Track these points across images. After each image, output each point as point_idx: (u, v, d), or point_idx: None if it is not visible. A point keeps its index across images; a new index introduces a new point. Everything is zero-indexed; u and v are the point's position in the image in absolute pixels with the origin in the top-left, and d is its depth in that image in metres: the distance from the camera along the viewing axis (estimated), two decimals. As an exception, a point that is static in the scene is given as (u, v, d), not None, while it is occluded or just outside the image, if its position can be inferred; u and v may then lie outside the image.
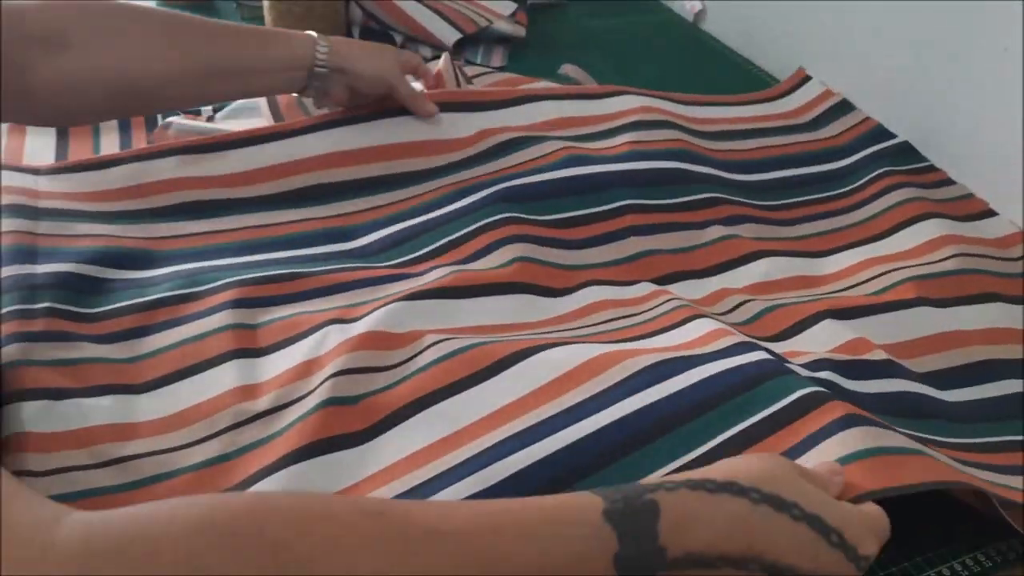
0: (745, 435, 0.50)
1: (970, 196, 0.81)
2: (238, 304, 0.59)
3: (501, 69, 0.99)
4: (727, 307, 0.66)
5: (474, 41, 1.06)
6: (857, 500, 0.44)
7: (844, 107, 0.93)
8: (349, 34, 1.02)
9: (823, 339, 0.61)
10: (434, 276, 0.63)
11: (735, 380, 0.53)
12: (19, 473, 0.47)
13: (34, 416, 0.50)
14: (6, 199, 0.65)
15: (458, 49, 1.03)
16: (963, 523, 0.51)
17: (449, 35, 1.00)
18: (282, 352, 0.57)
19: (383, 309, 0.58)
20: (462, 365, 0.55)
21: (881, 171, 0.81)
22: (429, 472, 0.49)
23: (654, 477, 0.47)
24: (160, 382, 0.55)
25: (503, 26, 1.05)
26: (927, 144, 0.87)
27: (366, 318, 0.58)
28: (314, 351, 0.55)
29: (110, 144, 0.81)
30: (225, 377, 0.55)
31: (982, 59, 0.80)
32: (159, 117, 0.84)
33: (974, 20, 0.79)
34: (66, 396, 0.52)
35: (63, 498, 0.46)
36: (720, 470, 0.40)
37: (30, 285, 0.58)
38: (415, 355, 0.56)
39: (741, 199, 0.77)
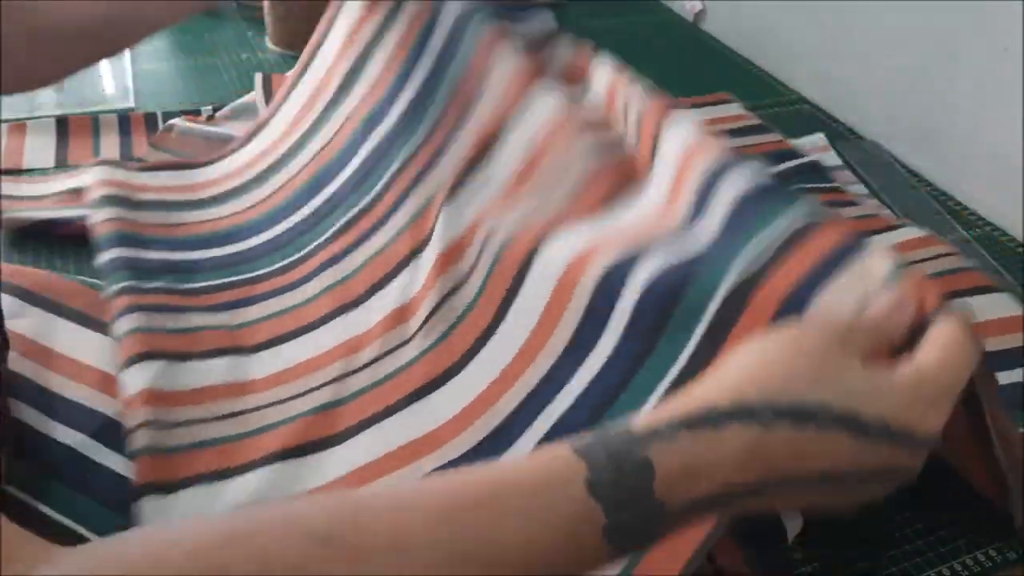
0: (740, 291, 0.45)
1: (875, 215, 0.78)
2: (329, 264, 0.65)
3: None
4: None
5: (474, 41, 1.05)
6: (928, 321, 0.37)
7: (761, 128, 0.91)
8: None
9: None
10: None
11: None
12: (147, 424, 0.51)
13: (157, 374, 0.55)
14: (106, 190, 0.70)
15: (458, 49, 1.03)
16: (962, 523, 0.51)
17: (449, 35, 1.00)
18: (376, 297, 0.62)
19: (443, 216, 0.62)
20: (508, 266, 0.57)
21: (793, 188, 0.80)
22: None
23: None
24: (269, 343, 0.60)
25: (503, 26, 1.05)
26: (927, 144, 0.87)
27: (433, 240, 0.62)
28: (403, 295, 0.61)
29: (110, 145, 0.81)
30: (329, 336, 0.60)
31: (982, 59, 0.80)
32: (159, 121, 0.84)
33: (974, 20, 0.80)
34: (185, 359, 0.57)
35: (187, 448, 0.51)
36: (730, 383, 0.33)
37: (141, 268, 0.64)
38: (476, 262, 0.59)
39: None
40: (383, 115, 0.72)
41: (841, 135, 0.93)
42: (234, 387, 0.56)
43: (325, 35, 0.78)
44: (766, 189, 0.49)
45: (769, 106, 0.98)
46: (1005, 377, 0.58)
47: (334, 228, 0.68)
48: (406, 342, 0.58)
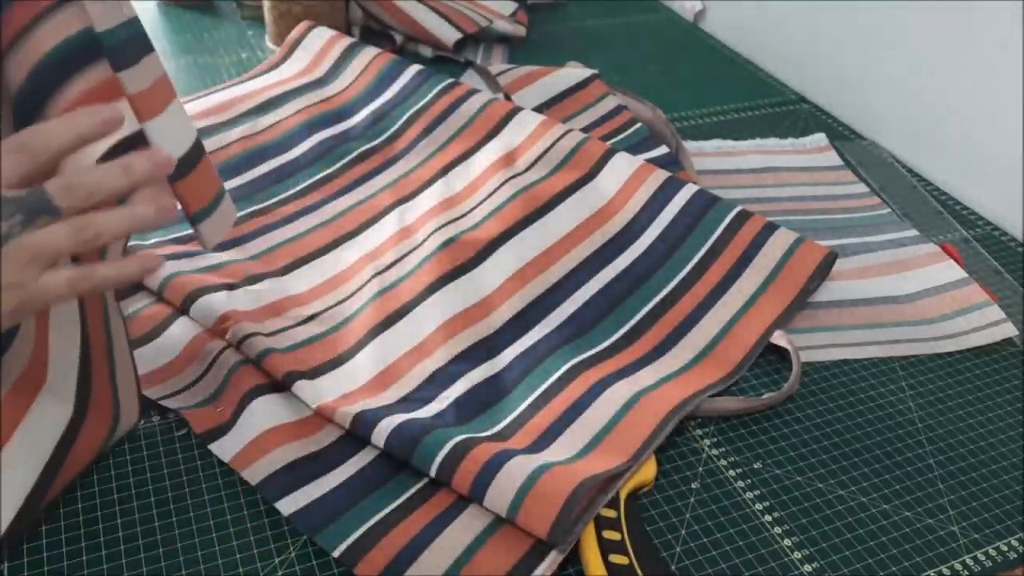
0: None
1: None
2: (317, 206, 0.74)
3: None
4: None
5: (474, 41, 1.06)
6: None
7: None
8: (350, 33, 1.02)
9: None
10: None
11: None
12: (250, 336, 0.56)
13: (225, 301, 0.60)
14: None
15: (458, 49, 1.03)
16: (962, 523, 0.51)
17: (449, 35, 1.01)
18: (372, 231, 0.71)
19: (439, 181, 0.75)
20: (522, 205, 0.70)
21: None
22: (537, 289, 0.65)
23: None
24: (292, 266, 0.67)
25: (503, 26, 1.06)
26: (927, 144, 0.87)
27: (425, 193, 0.74)
28: (400, 223, 0.71)
29: (110, 144, 0.81)
30: (351, 253, 0.69)
31: (982, 59, 0.80)
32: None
33: (974, 20, 0.80)
34: (235, 288, 0.62)
35: (300, 345, 0.59)
36: None
37: None
38: (486, 197, 0.71)
39: None
40: (347, 115, 0.84)
41: (841, 135, 0.93)
42: (292, 299, 0.64)
43: (292, 49, 0.92)
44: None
45: (769, 106, 0.98)
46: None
47: (324, 174, 0.77)
48: (417, 246, 0.68)
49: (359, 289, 0.65)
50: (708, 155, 0.86)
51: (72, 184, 0.37)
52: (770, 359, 0.62)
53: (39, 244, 0.36)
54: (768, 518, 0.51)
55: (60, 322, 0.46)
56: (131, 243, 0.65)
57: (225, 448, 0.52)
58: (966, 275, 0.70)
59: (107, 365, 0.50)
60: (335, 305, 0.64)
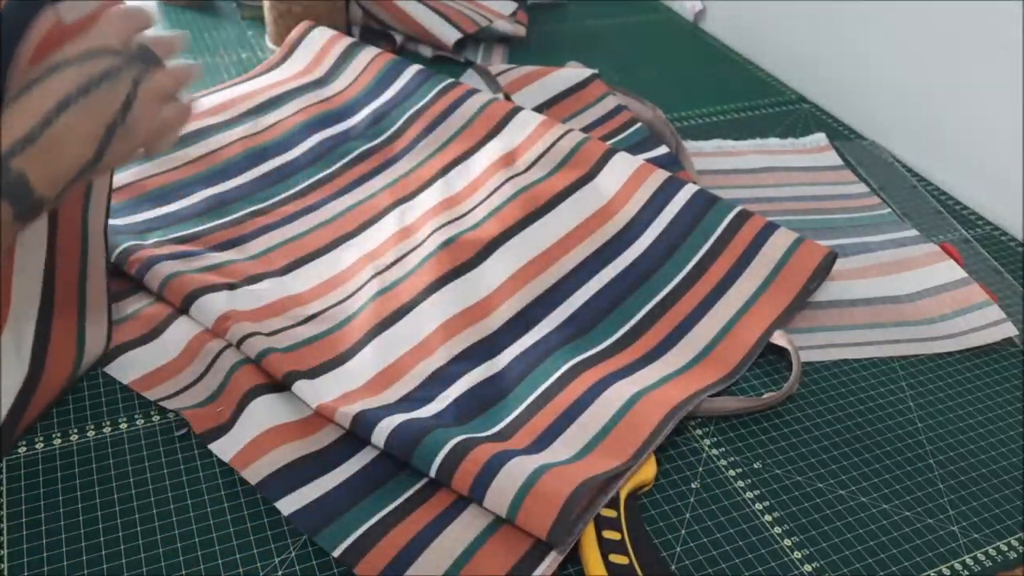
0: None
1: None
2: (318, 205, 0.74)
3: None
4: None
5: (474, 41, 1.06)
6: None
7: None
8: (350, 33, 1.02)
9: None
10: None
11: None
12: (250, 335, 0.57)
13: (226, 300, 0.61)
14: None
15: (458, 49, 1.03)
16: (962, 523, 0.51)
17: (449, 35, 1.01)
18: (372, 231, 0.71)
19: (439, 181, 0.75)
20: (522, 205, 0.70)
21: None
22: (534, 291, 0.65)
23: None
24: (292, 266, 0.67)
25: (503, 25, 1.06)
26: (927, 144, 0.87)
27: (425, 193, 0.74)
28: (400, 223, 0.71)
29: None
30: (350, 253, 0.69)
31: (982, 59, 0.80)
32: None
33: (974, 20, 0.80)
34: (235, 288, 0.63)
35: (300, 345, 0.59)
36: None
37: (134, 231, 0.69)
38: (486, 197, 0.71)
39: None
40: (346, 115, 0.84)
41: (841, 135, 0.93)
42: (292, 299, 0.64)
43: (292, 49, 0.93)
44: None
45: (769, 106, 0.98)
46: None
47: (320, 176, 0.77)
48: (417, 246, 0.68)
49: (359, 289, 0.65)
50: (708, 155, 0.86)
51: (161, 43, 0.48)
52: (770, 359, 0.62)
53: (160, 86, 0.46)
54: (768, 518, 0.51)
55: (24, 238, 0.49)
56: (131, 243, 0.65)
57: (225, 448, 0.52)
58: (966, 275, 0.70)
59: (76, 283, 0.50)
60: (335, 305, 0.64)
